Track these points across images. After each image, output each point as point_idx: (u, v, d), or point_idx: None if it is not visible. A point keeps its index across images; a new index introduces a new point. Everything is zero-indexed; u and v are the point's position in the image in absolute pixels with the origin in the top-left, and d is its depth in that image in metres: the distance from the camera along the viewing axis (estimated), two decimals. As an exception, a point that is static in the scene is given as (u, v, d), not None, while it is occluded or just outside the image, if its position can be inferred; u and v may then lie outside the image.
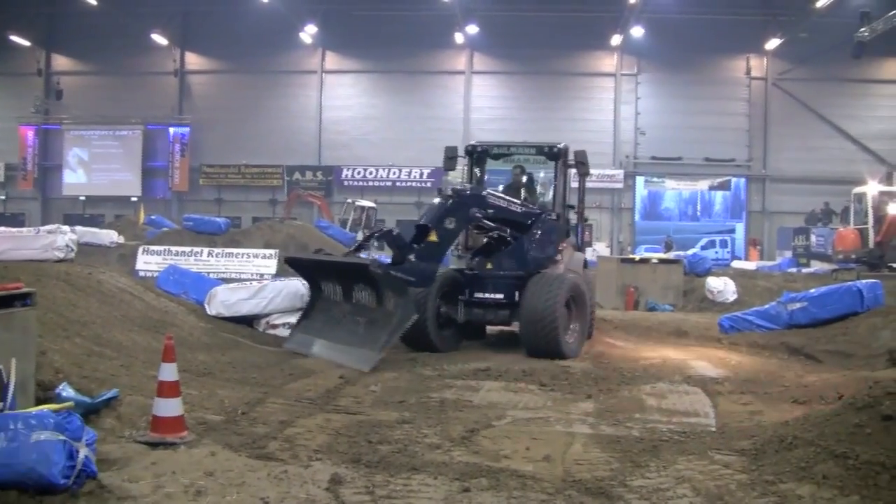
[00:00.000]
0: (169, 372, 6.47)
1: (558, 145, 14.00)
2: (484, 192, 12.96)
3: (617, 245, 45.97)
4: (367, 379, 9.56)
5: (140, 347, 9.54)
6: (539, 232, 13.30)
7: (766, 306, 15.31)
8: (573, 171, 14.25)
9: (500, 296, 12.52)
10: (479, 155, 14.49)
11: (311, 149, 48.40)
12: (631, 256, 29.58)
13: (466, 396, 8.82)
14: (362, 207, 40.07)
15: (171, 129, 49.39)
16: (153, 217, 38.81)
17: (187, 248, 24.97)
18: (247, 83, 48.49)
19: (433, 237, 11.69)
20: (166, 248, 25.15)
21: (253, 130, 47.86)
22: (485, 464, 6.13)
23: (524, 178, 14.60)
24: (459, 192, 12.44)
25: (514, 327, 13.29)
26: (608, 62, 47.35)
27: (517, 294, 12.37)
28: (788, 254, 39.17)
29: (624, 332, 15.93)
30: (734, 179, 46.81)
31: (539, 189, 14.98)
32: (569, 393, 9.16)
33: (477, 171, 14.57)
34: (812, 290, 15.08)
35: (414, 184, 47.16)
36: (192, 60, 49.98)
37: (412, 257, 11.44)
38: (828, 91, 45.33)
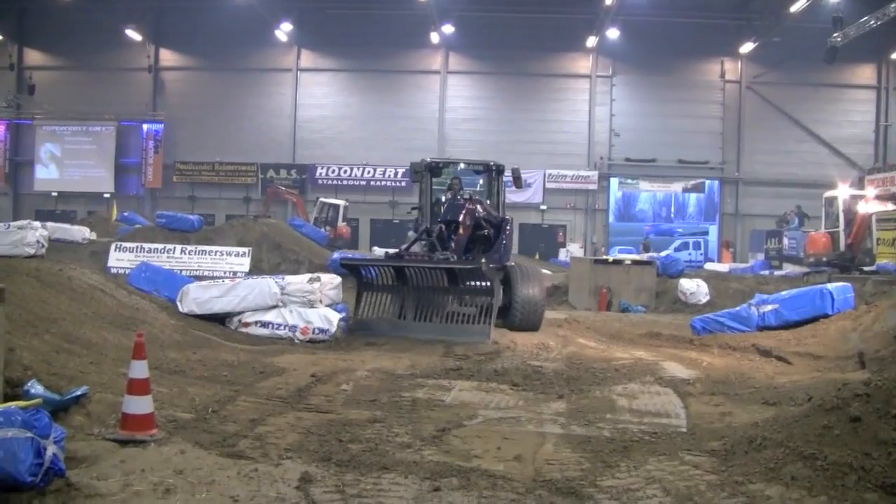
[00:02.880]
0: (139, 369, 6.40)
1: (499, 163, 16.49)
2: (480, 199, 15.88)
3: (591, 246, 46.11)
4: (339, 377, 9.55)
5: (110, 345, 9.45)
6: (504, 232, 15.68)
7: (738, 308, 15.44)
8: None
9: (487, 284, 13.81)
10: (436, 169, 16.91)
11: (285, 147, 48.25)
12: (604, 258, 29.71)
13: (438, 396, 8.81)
14: (331, 205, 40.46)
15: (145, 126, 49.02)
16: (126, 214, 38.68)
17: (160, 245, 24.93)
18: (221, 80, 48.28)
19: (462, 231, 14.61)
20: (139, 244, 25.07)
21: (227, 128, 47.70)
22: (455, 463, 6.12)
23: (458, 187, 16.60)
24: (472, 195, 15.66)
25: None
26: (583, 64, 47.51)
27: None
28: (761, 256, 39.45)
29: (596, 332, 16.01)
30: (708, 182, 47.14)
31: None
32: (540, 393, 9.16)
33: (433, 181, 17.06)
34: (783, 293, 15.22)
35: (388, 183, 47.16)
36: (167, 57, 49.72)
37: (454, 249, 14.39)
38: (801, 95, 45.80)
